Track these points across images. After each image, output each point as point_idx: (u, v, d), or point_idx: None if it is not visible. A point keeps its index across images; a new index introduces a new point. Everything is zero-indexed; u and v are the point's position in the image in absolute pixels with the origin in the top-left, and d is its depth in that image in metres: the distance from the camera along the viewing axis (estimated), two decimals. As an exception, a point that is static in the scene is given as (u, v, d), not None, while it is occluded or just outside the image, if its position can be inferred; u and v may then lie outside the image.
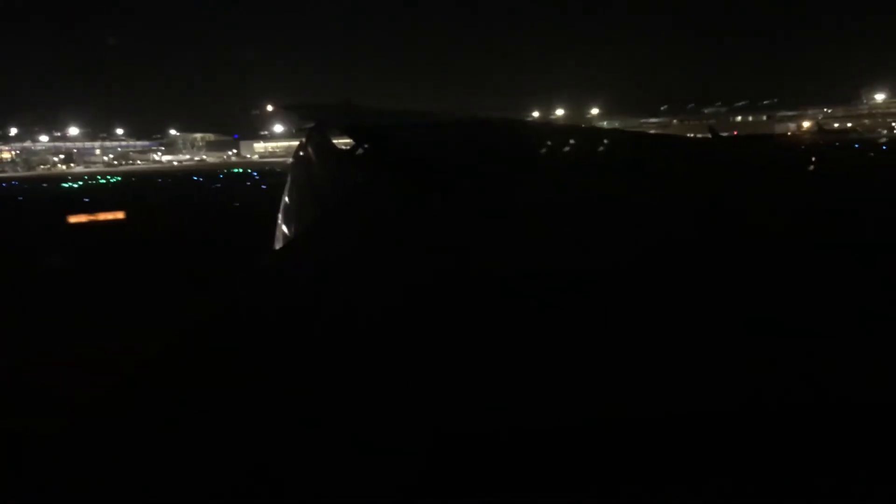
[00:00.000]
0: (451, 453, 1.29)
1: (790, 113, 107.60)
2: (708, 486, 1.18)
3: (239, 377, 1.64)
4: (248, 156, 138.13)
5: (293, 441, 1.35)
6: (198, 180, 60.92)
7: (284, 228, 5.59)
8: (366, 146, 5.38)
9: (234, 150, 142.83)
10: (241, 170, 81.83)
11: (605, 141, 6.43)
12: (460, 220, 2.99)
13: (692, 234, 2.59)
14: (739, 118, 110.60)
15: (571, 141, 6.15)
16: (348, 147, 5.90)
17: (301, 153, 6.64)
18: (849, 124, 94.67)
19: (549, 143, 5.98)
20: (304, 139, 6.61)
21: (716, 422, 1.35)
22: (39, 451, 1.46)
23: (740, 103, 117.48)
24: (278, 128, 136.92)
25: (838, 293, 1.93)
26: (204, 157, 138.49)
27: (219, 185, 53.33)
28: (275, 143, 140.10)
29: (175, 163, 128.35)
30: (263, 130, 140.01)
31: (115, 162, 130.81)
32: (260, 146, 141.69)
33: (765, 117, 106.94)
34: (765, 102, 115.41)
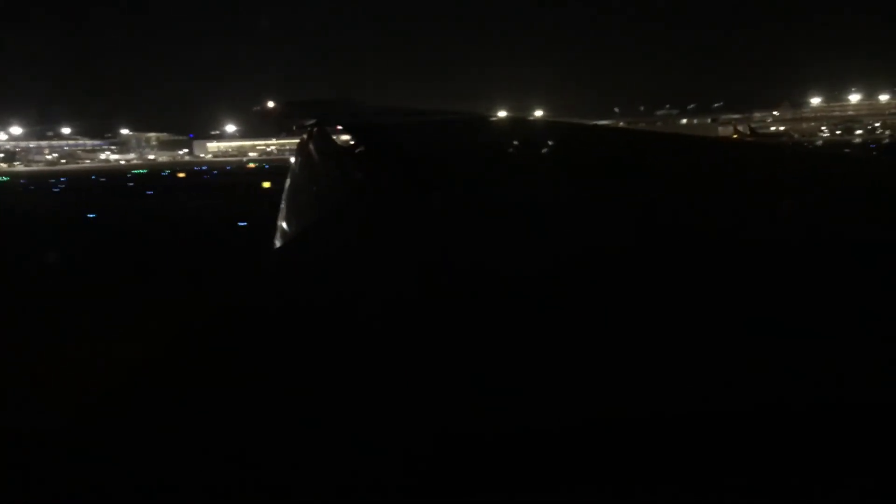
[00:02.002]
0: (452, 453, 1.28)
1: (735, 116, 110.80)
2: (707, 486, 1.17)
3: (239, 377, 1.63)
4: (202, 155, 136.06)
5: (294, 441, 1.34)
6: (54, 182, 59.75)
7: (285, 227, 5.52)
8: (366, 144, 5.34)
9: (186, 150, 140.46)
10: (144, 170, 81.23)
11: (607, 139, 6.38)
12: (461, 219, 2.96)
13: (685, 235, 2.61)
14: (685, 121, 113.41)
15: (573, 139, 6.04)
16: (348, 144, 5.81)
17: (301, 151, 6.48)
18: (781, 128, 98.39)
19: (549, 141, 5.88)
20: (304, 136, 6.40)
21: (715, 422, 1.34)
22: (40, 450, 1.43)
23: (690, 106, 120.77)
24: (230, 128, 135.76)
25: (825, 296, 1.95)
26: (153, 156, 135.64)
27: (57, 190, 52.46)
28: (227, 143, 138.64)
29: (122, 162, 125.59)
30: (216, 130, 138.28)
31: (63, 161, 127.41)
32: (213, 146, 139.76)
33: (710, 120, 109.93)
34: (714, 105, 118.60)
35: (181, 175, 60.91)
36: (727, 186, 3.59)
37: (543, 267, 2.25)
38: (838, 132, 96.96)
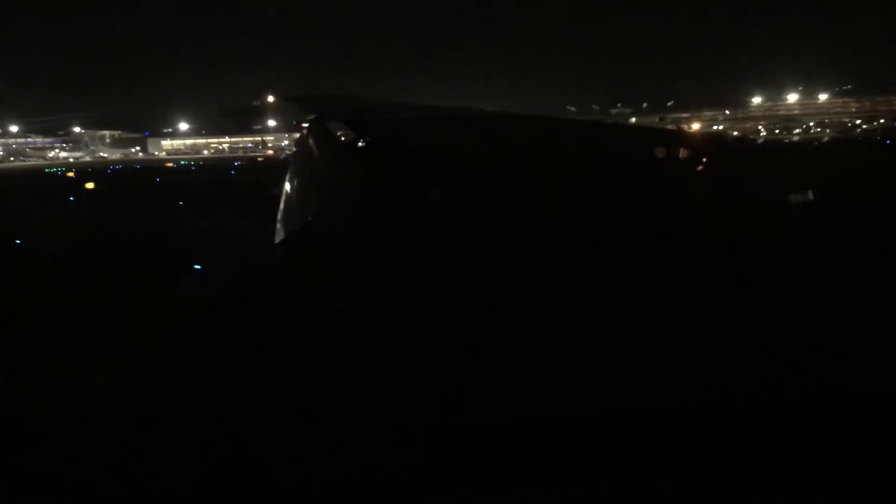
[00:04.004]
0: (450, 446, 1.28)
1: (685, 115, 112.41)
2: (707, 482, 1.17)
3: (236, 370, 1.63)
4: (156, 153, 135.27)
5: (288, 435, 1.34)
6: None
7: (285, 222, 5.48)
8: (367, 139, 5.26)
9: (138, 148, 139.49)
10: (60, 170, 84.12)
11: (609, 135, 6.25)
12: (462, 214, 2.93)
13: (689, 229, 2.58)
14: (634, 119, 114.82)
15: (575, 135, 5.95)
16: (349, 139, 5.72)
17: (302, 145, 6.42)
18: (720, 126, 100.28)
19: (551, 137, 5.75)
20: (305, 131, 6.39)
21: (713, 418, 1.34)
22: (40, 443, 1.44)
23: (644, 105, 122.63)
24: (184, 126, 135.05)
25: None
26: (105, 153, 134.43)
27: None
28: (181, 141, 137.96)
29: (71, 159, 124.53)
30: (169, 128, 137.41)
31: (11, 158, 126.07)
32: (167, 143, 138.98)
33: (658, 119, 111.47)
34: (668, 104, 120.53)
35: (70, 174, 66.45)
36: (724, 180, 3.53)
37: (543, 260, 2.27)
38: (776, 131, 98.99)
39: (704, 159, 4.60)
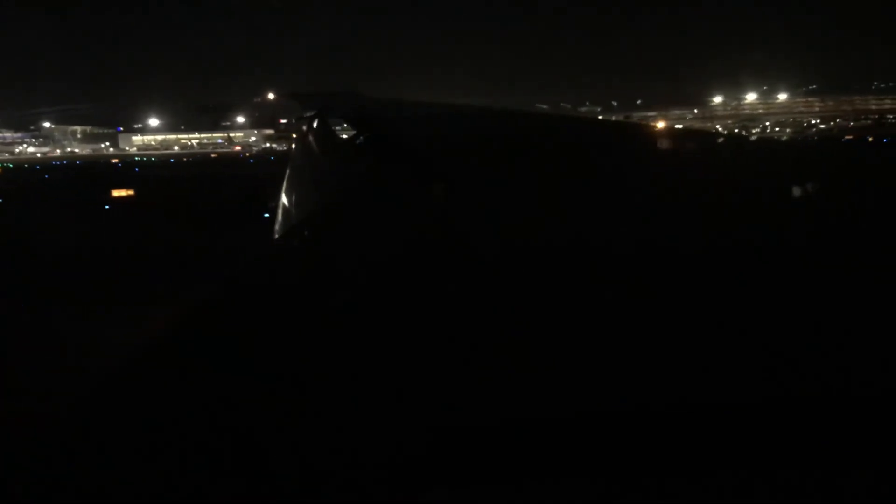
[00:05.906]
0: (451, 445, 1.28)
1: (651, 114, 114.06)
2: (708, 480, 1.16)
3: (236, 370, 1.62)
4: (127, 148, 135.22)
5: (287, 434, 1.35)
6: None
7: (284, 218, 5.44)
8: (368, 136, 5.16)
9: (108, 143, 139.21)
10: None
11: (616, 133, 6.20)
12: (463, 213, 2.91)
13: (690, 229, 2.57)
14: (600, 117, 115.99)
15: (580, 133, 5.75)
16: (350, 136, 5.66)
17: (302, 141, 6.35)
18: (681, 125, 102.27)
19: (556, 134, 5.50)
20: (305, 127, 6.27)
21: (714, 416, 1.33)
22: (41, 439, 1.48)
23: (614, 103, 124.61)
24: (154, 122, 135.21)
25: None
26: (77, 149, 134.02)
27: None
28: (152, 137, 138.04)
29: (38, 154, 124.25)
30: (140, 124, 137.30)
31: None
32: (139, 139, 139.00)
33: (623, 117, 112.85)
34: (638, 102, 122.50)
35: None
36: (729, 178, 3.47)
37: (541, 259, 2.26)
38: (735, 129, 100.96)
39: (704, 156, 4.51)
